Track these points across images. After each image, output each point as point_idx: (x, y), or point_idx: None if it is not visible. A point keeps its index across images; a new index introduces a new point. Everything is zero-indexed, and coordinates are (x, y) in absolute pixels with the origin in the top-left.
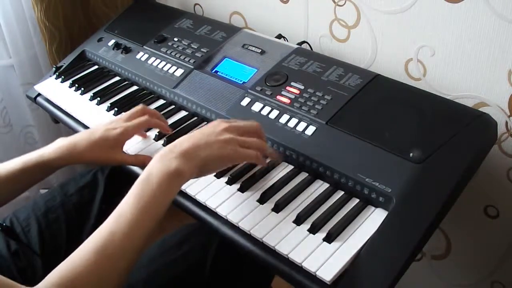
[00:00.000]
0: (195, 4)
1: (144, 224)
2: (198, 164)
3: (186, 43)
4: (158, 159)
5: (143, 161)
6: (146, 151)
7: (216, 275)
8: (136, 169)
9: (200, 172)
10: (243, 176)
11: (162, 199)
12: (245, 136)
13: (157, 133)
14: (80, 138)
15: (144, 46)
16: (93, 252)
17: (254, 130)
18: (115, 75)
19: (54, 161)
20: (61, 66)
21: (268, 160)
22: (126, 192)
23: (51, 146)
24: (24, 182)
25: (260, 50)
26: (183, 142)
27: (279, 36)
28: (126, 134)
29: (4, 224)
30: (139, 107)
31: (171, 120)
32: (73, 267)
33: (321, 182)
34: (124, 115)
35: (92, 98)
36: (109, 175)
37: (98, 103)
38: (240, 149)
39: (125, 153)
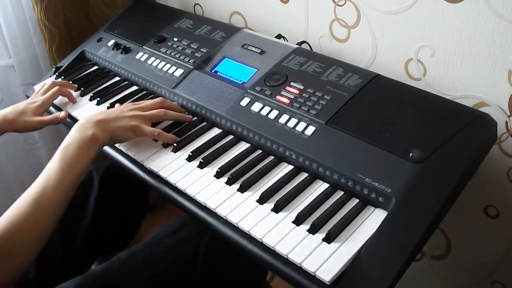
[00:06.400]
0: (195, 4)
1: (69, 180)
2: (110, 133)
3: (186, 43)
4: (76, 129)
5: (54, 118)
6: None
7: (209, 264)
8: (132, 166)
9: (111, 140)
10: (243, 176)
11: (82, 160)
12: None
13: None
14: (8, 111)
15: (144, 46)
16: (32, 201)
17: (157, 105)
18: (114, 75)
19: None
20: (61, 66)
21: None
22: (121, 190)
23: None
24: None
25: (260, 50)
26: (97, 114)
27: (279, 36)
28: (43, 106)
29: None
30: (50, 81)
31: (170, 120)
32: (16, 214)
33: (321, 182)
34: (39, 89)
35: (92, 98)
36: (103, 174)
37: (98, 103)
38: (144, 120)
39: (40, 118)
